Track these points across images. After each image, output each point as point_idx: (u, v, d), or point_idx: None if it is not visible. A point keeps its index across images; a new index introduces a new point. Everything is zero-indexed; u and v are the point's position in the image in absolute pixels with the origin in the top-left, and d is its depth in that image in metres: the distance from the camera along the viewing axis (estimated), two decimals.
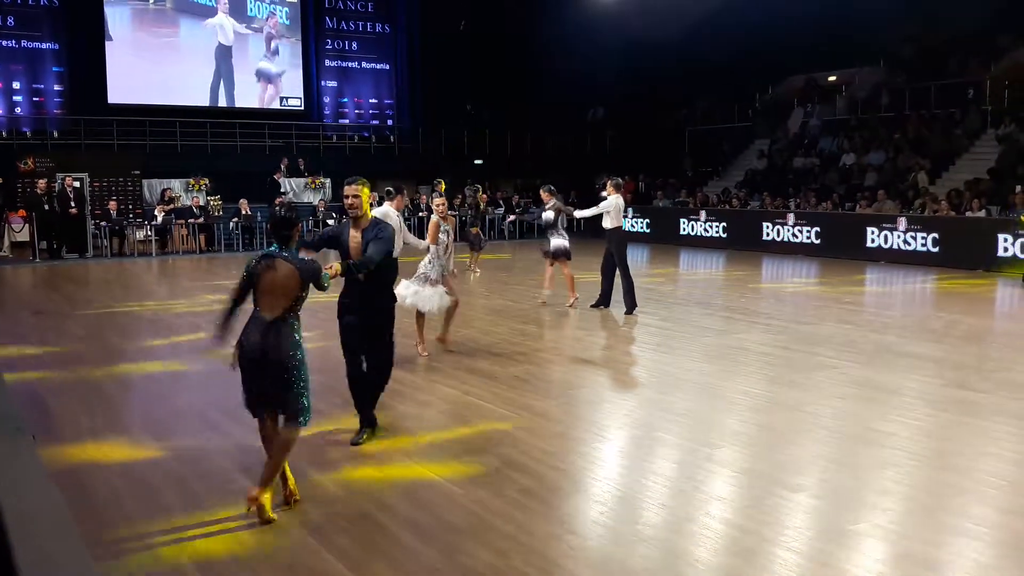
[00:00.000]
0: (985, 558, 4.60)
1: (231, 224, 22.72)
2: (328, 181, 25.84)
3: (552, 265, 13.10)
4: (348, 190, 6.32)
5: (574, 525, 5.11)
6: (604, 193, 12.55)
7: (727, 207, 23.95)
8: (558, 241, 12.75)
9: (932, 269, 17.21)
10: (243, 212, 22.65)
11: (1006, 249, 16.63)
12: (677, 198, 26.69)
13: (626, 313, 12.22)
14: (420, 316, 9.43)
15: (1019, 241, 16.44)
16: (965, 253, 17.11)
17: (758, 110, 30.31)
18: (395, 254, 6.95)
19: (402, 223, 9.62)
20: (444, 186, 16.01)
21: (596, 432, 6.98)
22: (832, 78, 29.67)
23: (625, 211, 12.74)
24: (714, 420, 7.26)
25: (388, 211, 9.49)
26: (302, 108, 30.01)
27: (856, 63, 28.41)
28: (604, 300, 12.65)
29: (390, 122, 31.64)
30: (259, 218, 22.10)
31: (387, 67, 31.67)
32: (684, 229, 23.74)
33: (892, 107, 26.34)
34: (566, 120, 32.01)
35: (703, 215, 23.39)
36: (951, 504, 5.36)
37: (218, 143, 26.32)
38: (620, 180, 12.88)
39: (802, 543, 4.84)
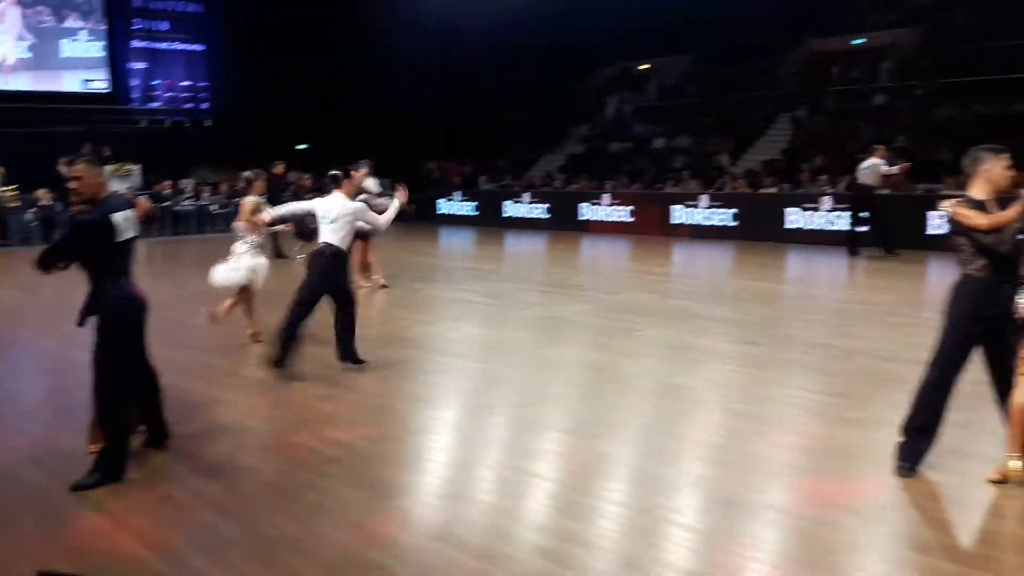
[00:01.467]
0: (765, 482, 4.97)
1: (27, 215, 21.14)
2: (138, 168, 24.50)
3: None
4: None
5: (385, 489, 5.12)
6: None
7: (548, 189, 24.50)
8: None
9: (731, 242, 18.25)
10: (42, 203, 21.12)
11: (793, 221, 17.87)
12: (502, 181, 27.04)
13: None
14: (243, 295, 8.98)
15: (807, 213, 17.72)
16: (759, 226, 18.25)
17: (577, 97, 31.13)
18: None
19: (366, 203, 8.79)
20: (282, 168, 15.58)
21: (413, 402, 7.00)
22: (644, 66, 30.86)
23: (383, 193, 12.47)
24: (529, 384, 7.45)
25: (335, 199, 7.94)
26: (109, 91, 28.32)
27: (665, 52, 29.68)
28: None
29: (205, 105, 30.31)
30: (59, 209, 20.69)
31: (202, 48, 30.31)
32: (508, 211, 24.11)
33: (698, 93, 27.73)
34: (393, 105, 31.65)
35: (526, 197, 23.83)
36: (741, 443, 5.74)
37: (12, 130, 24.36)
38: (367, 162, 12.49)
39: (615, 488, 5.07)
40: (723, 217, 19.09)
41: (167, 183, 23.86)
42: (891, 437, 5.24)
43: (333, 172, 7.93)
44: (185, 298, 10.95)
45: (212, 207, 23.60)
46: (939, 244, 15.42)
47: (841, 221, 16.91)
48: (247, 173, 10.38)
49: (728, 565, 4.10)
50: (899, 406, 5.29)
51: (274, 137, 28.69)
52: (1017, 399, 4.85)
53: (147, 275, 8.70)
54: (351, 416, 6.52)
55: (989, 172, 4.97)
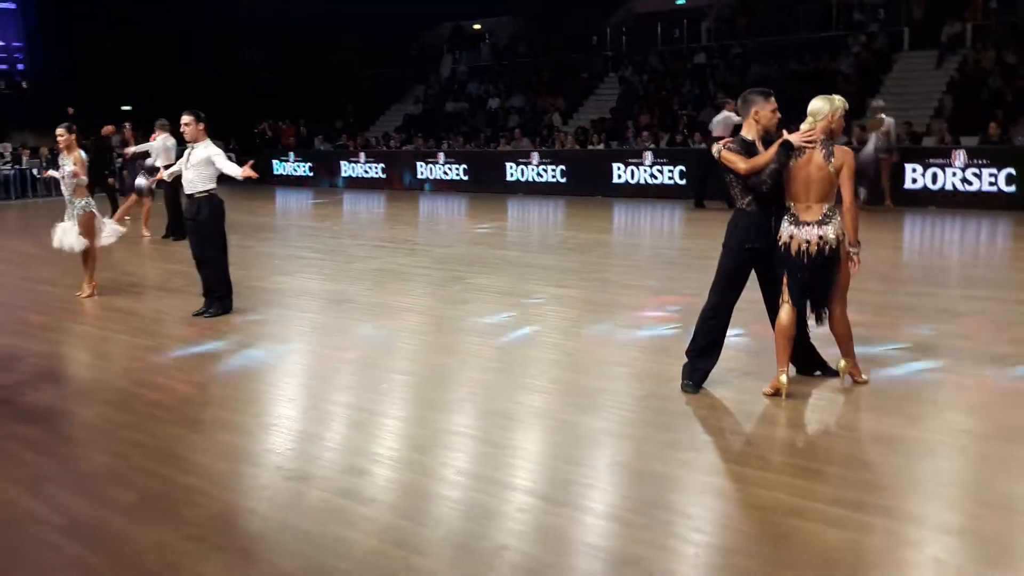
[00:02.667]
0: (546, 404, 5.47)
1: None
2: None
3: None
4: None
5: (204, 426, 5.30)
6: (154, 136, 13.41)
7: (384, 148, 24.55)
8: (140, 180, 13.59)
9: (561, 197, 18.97)
10: None
11: (619, 176, 18.76)
12: (338, 142, 26.84)
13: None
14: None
15: (630, 169, 18.62)
16: (587, 182, 19.05)
17: (412, 57, 31.14)
18: None
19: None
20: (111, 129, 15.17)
21: (238, 349, 7.13)
22: (477, 26, 31.19)
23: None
24: (347, 328, 7.72)
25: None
26: None
27: (496, 12, 30.10)
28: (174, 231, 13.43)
29: (20, 67, 28.53)
30: None
31: (12, 6, 28.42)
32: (345, 171, 24.02)
33: (529, 54, 28.32)
34: (223, 63, 30.66)
35: (362, 157, 23.81)
36: (525, 371, 6.24)
37: None
38: (165, 121, 13.47)
39: (406, 412, 5.45)
40: (553, 173, 19.77)
41: None
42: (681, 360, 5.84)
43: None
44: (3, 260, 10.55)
45: (34, 171, 22.46)
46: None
47: (662, 175, 17.93)
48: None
49: (509, 469, 4.55)
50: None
51: (97, 98, 27.32)
52: (780, 320, 5.50)
53: None
54: (177, 365, 6.62)
55: (758, 114, 5.53)
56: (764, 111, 5.48)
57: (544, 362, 6.52)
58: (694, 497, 4.21)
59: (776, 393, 5.47)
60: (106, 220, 9.26)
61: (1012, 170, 14.41)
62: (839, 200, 5.35)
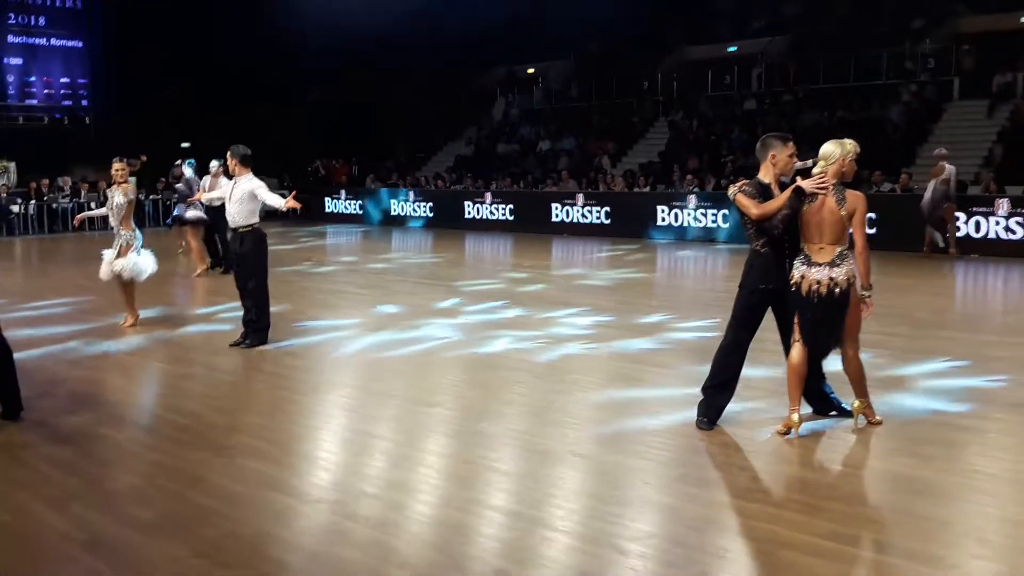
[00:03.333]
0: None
1: None
2: (13, 165, 23.91)
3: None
4: None
5: (227, 451, 5.46)
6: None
7: (434, 188, 24.94)
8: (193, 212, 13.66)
9: (606, 239, 19.03)
10: None
11: (663, 219, 18.82)
12: (389, 180, 27.33)
13: (223, 272, 13.24)
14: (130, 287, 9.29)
15: (674, 212, 18.69)
16: (630, 223, 19.15)
17: (466, 99, 31.69)
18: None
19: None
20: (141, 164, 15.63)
21: (268, 376, 7.32)
22: (530, 70, 31.65)
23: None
24: (376, 361, 7.88)
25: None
26: None
27: (549, 57, 30.53)
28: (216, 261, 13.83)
29: (84, 103, 29.64)
30: None
31: (80, 45, 29.62)
32: (395, 210, 24.44)
33: (581, 98, 28.65)
34: (281, 103, 31.51)
35: (411, 196, 24.22)
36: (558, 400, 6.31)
37: None
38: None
39: (435, 444, 5.55)
40: (598, 214, 19.91)
41: (44, 181, 23.36)
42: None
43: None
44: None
45: (92, 204, 23.18)
46: None
47: (706, 219, 17.98)
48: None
49: (538, 503, 4.61)
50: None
51: (157, 138, 28.25)
52: (791, 359, 5.53)
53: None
54: (208, 392, 6.83)
55: (775, 158, 5.62)
56: (781, 155, 5.56)
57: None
58: (694, 528, 4.24)
59: (787, 431, 5.50)
60: (142, 254, 9.25)
61: None
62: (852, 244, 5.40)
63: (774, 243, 5.50)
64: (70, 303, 10.94)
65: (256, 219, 8.32)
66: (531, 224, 20.90)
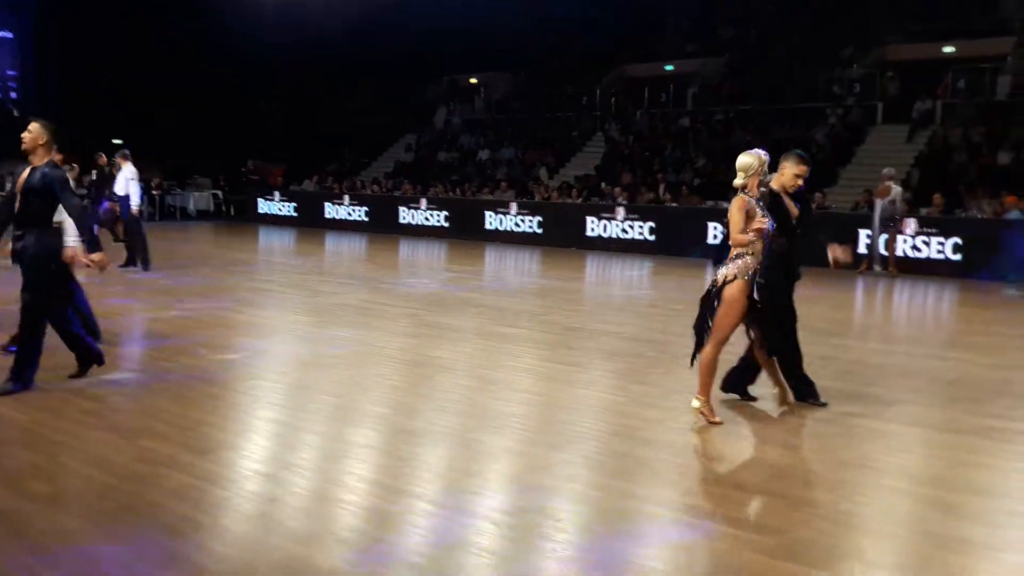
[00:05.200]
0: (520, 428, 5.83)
1: None
2: None
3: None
4: None
5: (132, 433, 5.63)
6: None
7: (369, 192, 25.12)
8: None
9: (537, 248, 19.44)
10: None
11: (593, 230, 19.28)
12: (326, 184, 27.42)
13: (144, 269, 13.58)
14: None
15: (603, 223, 19.15)
16: (562, 233, 19.57)
17: (408, 107, 31.95)
18: None
19: None
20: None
21: (178, 366, 7.48)
22: (472, 80, 32.03)
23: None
24: (295, 354, 8.10)
25: None
26: None
27: (492, 68, 30.96)
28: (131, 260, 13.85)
29: (14, 95, 29.16)
30: None
31: (9, 36, 29.13)
32: (329, 213, 24.55)
33: (522, 109, 29.11)
34: (222, 104, 31.35)
35: (346, 199, 24.36)
36: (493, 403, 6.60)
37: None
38: (127, 151, 14.21)
39: (324, 427, 5.80)
40: (531, 224, 20.30)
41: None
42: (600, 393, 6.23)
43: None
44: None
45: None
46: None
47: (632, 231, 18.52)
48: None
49: (467, 489, 4.90)
50: (618, 372, 6.28)
51: (90, 129, 27.84)
52: (704, 355, 5.90)
53: None
54: (116, 378, 6.97)
55: (784, 170, 6.16)
56: (789, 171, 6.11)
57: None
58: (566, 503, 4.58)
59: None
60: None
61: (959, 240, 14.93)
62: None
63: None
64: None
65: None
66: (465, 232, 21.21)
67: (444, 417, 6.14)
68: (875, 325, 11.57)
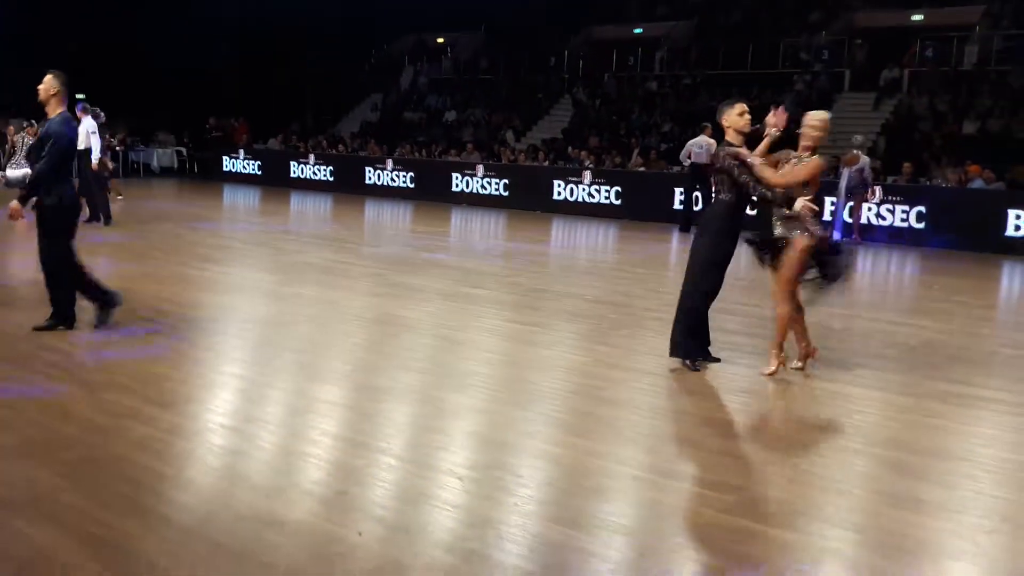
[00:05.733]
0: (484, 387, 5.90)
1: None
2: None
3: None
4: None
5: (93, 386, 5.64)
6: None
7: (334, 152, 24.91)
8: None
9: (503, 211, 19.45)
10: None
11: (559, 194, 19.32)
12: (290, 143, 27.13)
13: (105, 224, 13.56)
14: None
15: (569, 187, 19.19)
16: (529, 196, 19.58)
17: (373, 66, 31.60)
18: None
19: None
20: None
21: (142, 321, 7.46)
22: (440, 40, 31.72)
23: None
24: (262, 314, 8.10)
25: None
26: None
27: (460, 28, 30.68)
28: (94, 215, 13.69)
29: None
30: None
31: None
32: (295, 172, 24.34)
33: (490, 70, 28.91)
34: (186, 64, 30.80)
35: (312, 159, 24.14)
36: (457, 362, 6.67)
37: None
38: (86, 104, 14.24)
39: (287, 383, 5.84)
40: (497, 187, 20.28)
41: None
42: (563, 354, 6.31)
43: None
44: None
45: None
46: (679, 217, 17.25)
47: (599, 195, 18.59)
48: None
49: (430, 445, 4.98)
50: (582, 333, 6.38)
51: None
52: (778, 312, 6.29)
53: None
54: (80, 334, 6.94)
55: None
56: (731, 117, 6.32)
57: (464, 350, 6.95)
58: (528, 460, 4.67)
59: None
60: None
61: (923, 208, 15.16)
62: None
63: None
64: None
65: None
66: (431, 193, 21.13)
67: (408, 375, 6.21)
68: (837, 290, 11.74)
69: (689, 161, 16.28)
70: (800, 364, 6.47)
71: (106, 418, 5.04)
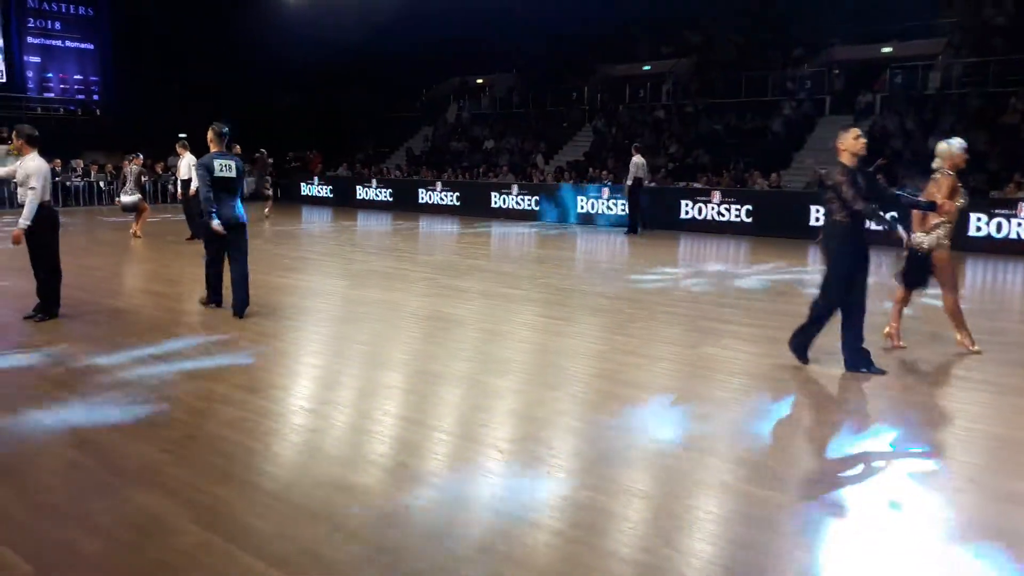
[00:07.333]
0: (521, 372, 5.85)
1: None
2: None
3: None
4: None
5: (190, 375, 5.68)
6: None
7: (392, 177, 25.02)
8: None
9: (536, 223, 19.35)
10: None
11: (582, 207, 19.19)
12: (356, 170, 27.31)
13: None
14: None
15: (591, 201, 19.07)
16: (558, 210, 19.47)
17: (424, 103, 31.69)
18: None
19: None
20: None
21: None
22: (480, 80, 31.71)
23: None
24: (337, 312, 8.12)
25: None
26: (4, 81, 26.84)
27: (496, 70, 30.67)
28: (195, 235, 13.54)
29: (96, 97, 29.10)
30: None
31: (91, 47, 29.03)
32: (360, 194, 24.48)
33: (522, 104, 28.85)
34: (261, 103, 31.14)
35: (374, 183, 24.27)
36: (497, 351, 6.63)
37: None
38: (186, 142, 14.24)
39: (356, 369, 5.83)
40: (530, 202, 20.21)
41: (57, 160, 22.93)
42: (587, 343, 6.21)
43: None
44: None
45: (100, 183, 23.06)
46: (688, 226, 17.07)
47: (616, 207, 18.44)
48: None
49: (475, 422, 4.94)
50: (602, 325, 6.27)
51: (158, 127, 27.78)
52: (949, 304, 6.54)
53: None
54: (179, 335, 6.99)
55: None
56: (847, 141, 5.82)
57: (504, 343, 6.91)
58: (559, 433, 4.61)
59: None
60: None
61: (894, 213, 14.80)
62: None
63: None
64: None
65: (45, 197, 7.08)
66: (474, 209, 21.14)
67: (456, 363, 6.17)
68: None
69: (631, 180, 16.82)
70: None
71: (202, 403, 5.07)
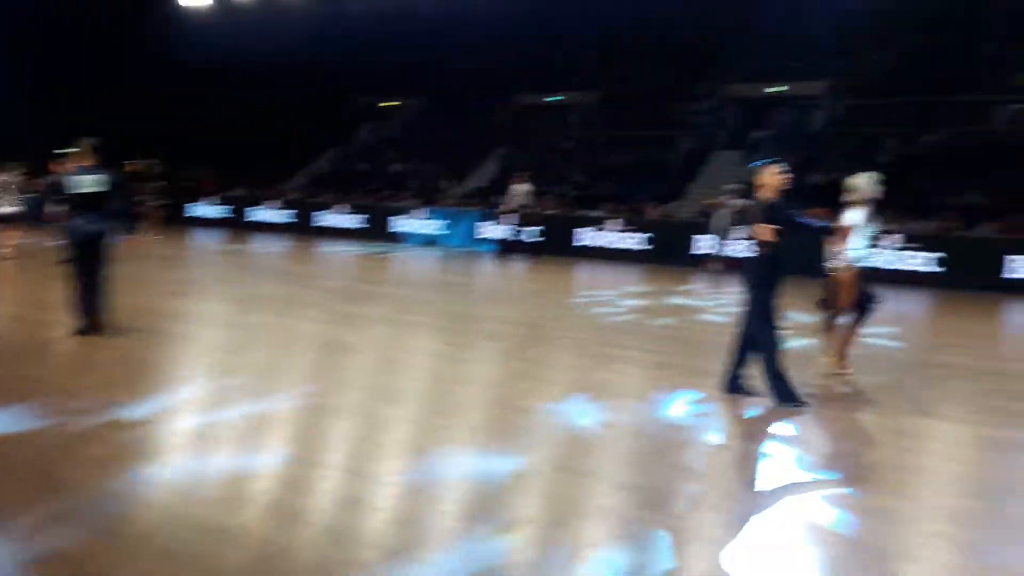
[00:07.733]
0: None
1: None
2: None
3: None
4: None
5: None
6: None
7: (292, 198, 24.52)
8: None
9: (438, 248, 19.30)
10: None
11: (483, 232, 19.33)
12: (255, 189, 26.54)
13: None
14: None
15: (490, 225, 19.20)
16: (462, 234, 19.53)
17: (332, 123, 31.20)
18: None
19: None
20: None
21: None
22: (388, 103, 31.50)
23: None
24: (219, 341, 7.82)
25: None
26: None
27: (406, 94, 30.64)
28: None
29: None
30: None
31: None
32: (255, 216, 23.85)
33: (432, 130, 28.82)
34: (150, 109, 29.90)
35: (274, 203, 23.69)
36: (385, 380, 6.50)
37: None
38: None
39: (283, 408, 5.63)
40: (436, 227, 20.17)
41: None
42: (483, 368, 6.18)
43: None
44: None
45: None
46: (586, 254, 17.41)
47: (522, 234, 18.69)
48: None
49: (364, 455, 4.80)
50: (498, 351, 6.25)
51: (38, 135, 26.18)
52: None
53: None
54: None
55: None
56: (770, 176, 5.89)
57: (400, 371, 6.77)
58: (450, 462, 4.56)
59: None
60: None
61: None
62: None
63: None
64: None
65: None
66: (377, 233, 20.94)
67: (349, 393, 6.03)
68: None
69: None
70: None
71: (61, 440, 4.76)
